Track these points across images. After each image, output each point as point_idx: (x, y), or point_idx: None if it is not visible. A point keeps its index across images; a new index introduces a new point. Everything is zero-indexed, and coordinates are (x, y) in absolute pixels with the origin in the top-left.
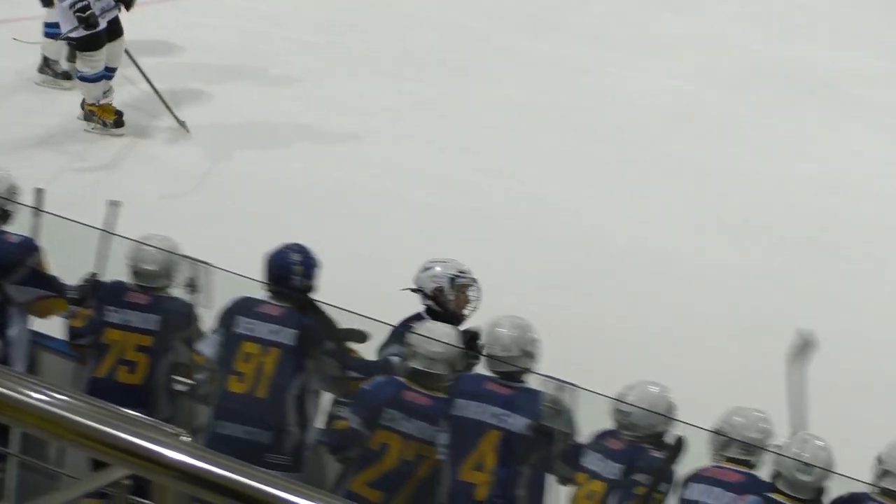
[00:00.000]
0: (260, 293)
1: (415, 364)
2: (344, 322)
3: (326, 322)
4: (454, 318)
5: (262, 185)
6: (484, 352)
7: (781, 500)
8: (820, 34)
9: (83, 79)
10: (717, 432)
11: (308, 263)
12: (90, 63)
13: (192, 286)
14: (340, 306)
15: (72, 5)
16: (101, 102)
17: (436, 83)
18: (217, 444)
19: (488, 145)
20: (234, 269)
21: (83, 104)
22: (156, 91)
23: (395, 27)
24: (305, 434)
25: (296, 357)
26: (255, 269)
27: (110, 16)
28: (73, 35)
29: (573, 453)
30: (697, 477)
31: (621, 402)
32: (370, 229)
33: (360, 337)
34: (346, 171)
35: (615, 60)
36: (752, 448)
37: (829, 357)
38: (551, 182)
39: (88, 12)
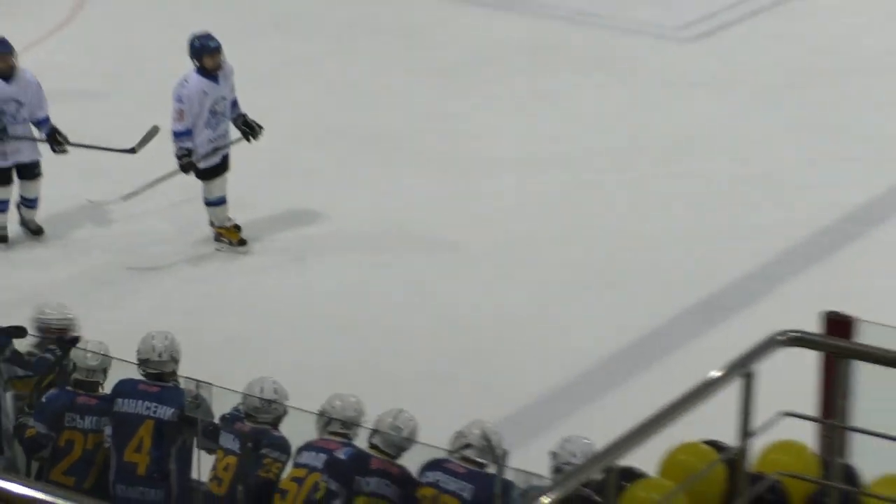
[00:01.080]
0: None
1: (78, 376)
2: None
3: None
4: None
5: None
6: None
7: (374, 453)
8: (373, 99)
9: (208, 203)
10: (320, 414)
11: None
12: (210, 190)
13: None
14: None
15: (177, 151)
16: (227, 225)
17: None
18: None
19: None
20: None
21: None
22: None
23: None
24: (1, 425)
25: None
26: None
27: (223, 152)
28: (201, 165)
29: (213, 434)
30: (307, 446)
31: (250, 395)
32: None
33: (20, 333)
34: None
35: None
36: (350, 424)
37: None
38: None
39: (186, 160)
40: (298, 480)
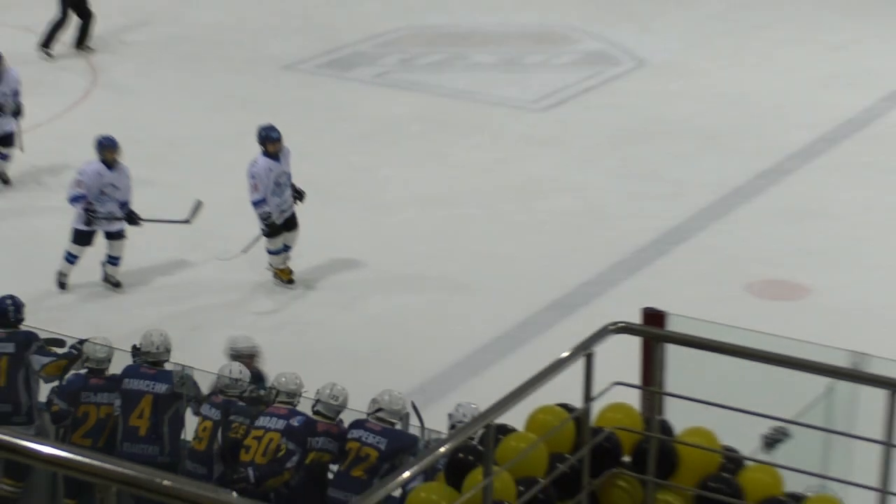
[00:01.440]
0: None
1: (90, 365)
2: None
3: (31, 335)
4: None
5: None
6: (140, 349)
7: (319, 419)
8: (308, 157)
9: (269, 252)
10: (270, 388)
11: (18, 305)
12: (272, 244)
13: None
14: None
15: (260, 215)
16: (282, 267)
17: None
18: None
19: None
20: None
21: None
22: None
23: None
24: (32, 401)
25: (18, 357)
26: None
27: (287, 213)
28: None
29: (197, 405)
30: (263, 413)
31: (222, 375)
32: None
33: (59, 343)
34: None
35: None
36: (292, 395)
37: None
38: None
39: (269, 220)
40: (258, 439)
